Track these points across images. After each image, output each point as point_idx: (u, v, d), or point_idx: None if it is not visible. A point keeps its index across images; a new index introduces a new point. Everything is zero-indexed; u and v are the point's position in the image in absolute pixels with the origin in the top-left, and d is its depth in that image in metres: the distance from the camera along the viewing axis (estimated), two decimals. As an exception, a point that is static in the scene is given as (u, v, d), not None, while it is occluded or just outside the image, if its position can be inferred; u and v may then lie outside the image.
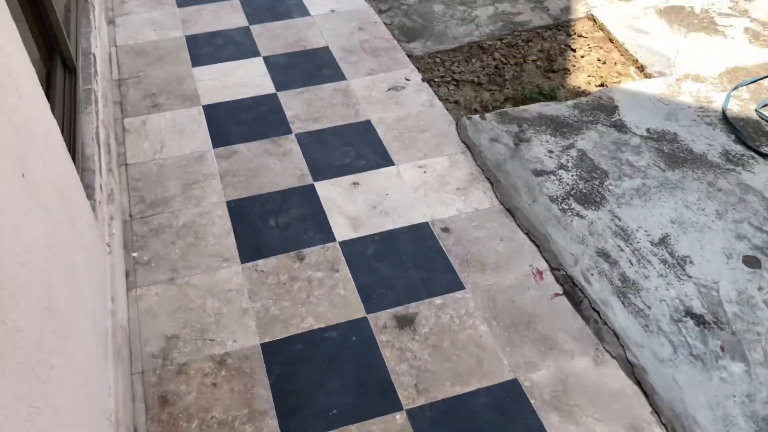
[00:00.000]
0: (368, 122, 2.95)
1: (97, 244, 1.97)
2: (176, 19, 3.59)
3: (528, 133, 2.88)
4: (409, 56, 3.37)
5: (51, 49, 2.58)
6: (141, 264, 2.25)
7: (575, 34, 3.57)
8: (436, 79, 3.23)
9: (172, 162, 2.67)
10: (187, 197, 2.51)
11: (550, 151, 2.79)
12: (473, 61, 3.37)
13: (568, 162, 2.74)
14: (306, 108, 3.01)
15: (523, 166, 2.72)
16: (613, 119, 2.97)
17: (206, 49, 3.37)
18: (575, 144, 2.83)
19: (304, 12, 3.68)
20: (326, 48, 3.40)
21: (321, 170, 2.68)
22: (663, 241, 2.43)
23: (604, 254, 2.38)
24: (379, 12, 3.71)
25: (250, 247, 2.34)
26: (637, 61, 3.32)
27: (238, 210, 2.48)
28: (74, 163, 2.24)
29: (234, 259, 2.29)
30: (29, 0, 2.45)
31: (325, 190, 2.60)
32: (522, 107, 3.02)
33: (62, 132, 2.31)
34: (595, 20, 3.64)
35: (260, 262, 2.28)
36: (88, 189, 2.12)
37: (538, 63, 3.37)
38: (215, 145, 2.77)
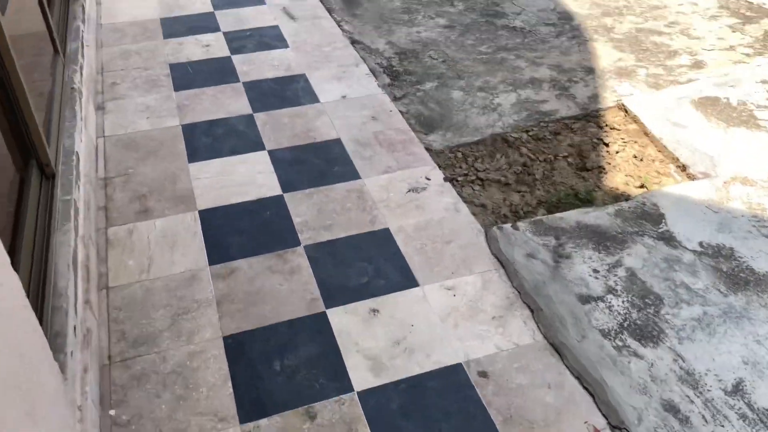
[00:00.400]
0: (386, 231, 2.61)
1: (64, 419, 1.57)
2: (172, 105, 3.29)
3: (568, 248, 2.54)
4: (428, 150, 3.07)
5: (26, 153, 2.24)
6: (119, 426, 1.85)
7: (606, 125, 3.30)
8: (459, 178, 2.92)
9: (160, 284, 2.29)
10: (177, 332, 2.13)
11: (595, 271, 2.45)
12: (498, 156, 3.08)
13: (616, 284, 2.40)
14: (316, 213, 2.67)
15: (566, 289, 2.38)
16: (660, 230, 2.65)
17: (204, 140, 3.05)
18: (622, 261, 2.50)
19: (313, 98, 3.39)
20: (338, 140, 3.09)
21: (334, 293, 2.32)
22: (738, 389, 2.07)
23: (671, 407, 2.01)
24: (394, 99, 3.43)
25: (251, 401, 1.94)
26: (677, 159, 3.04)
27: (236, 348, 2.10)
28: (43, 301, 1.87)
29: (231, 418, 1.89)
30: (3, 101, 2.13)
31: (340, 319, 2.23)
32: (558, 215, 2.70)
33: (32, 258, 1.95)
34: (627, 111, 3.38)
35: (262, 422, 1.89)
36: (59, 338, 1.74)
37: (570, 160, 3.07)
38: (211, 261, 2.41)
